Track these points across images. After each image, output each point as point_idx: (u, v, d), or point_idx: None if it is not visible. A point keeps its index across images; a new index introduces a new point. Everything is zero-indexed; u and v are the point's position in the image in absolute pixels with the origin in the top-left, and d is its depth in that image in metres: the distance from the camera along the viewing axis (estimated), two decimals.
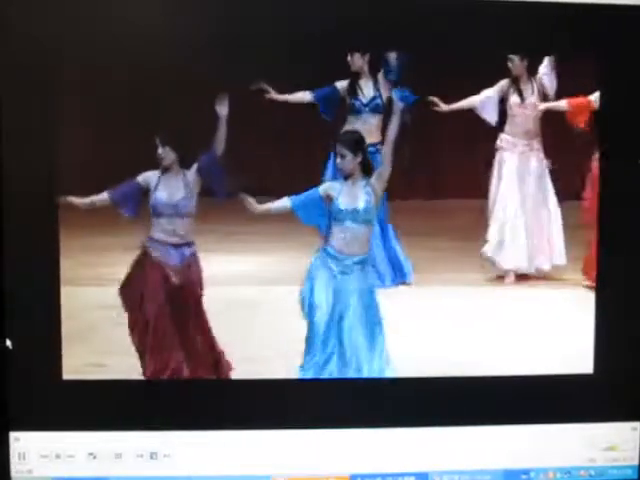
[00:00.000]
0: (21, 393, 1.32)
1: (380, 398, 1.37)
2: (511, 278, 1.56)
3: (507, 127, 1.53)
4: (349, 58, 1.37)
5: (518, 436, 1.39)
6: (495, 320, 1.46)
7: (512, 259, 1.56)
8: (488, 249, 1.52)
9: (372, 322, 1.40)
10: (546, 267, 1.56)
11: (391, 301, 1.42)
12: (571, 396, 1.40)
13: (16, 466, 1.33)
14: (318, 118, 1.41)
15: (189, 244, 1.40)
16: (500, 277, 1.55)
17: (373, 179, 1.38)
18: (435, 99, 1.40)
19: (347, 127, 1.46)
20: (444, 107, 1.42)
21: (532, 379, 1.40)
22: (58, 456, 1.34)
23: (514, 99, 1.51)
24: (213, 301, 1.39)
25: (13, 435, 1.33)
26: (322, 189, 1.39)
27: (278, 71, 1.33)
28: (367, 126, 1.46)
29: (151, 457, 1.34)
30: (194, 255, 1.40)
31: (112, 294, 1.40)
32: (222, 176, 1.36)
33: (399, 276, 1.51)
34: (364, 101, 1.45)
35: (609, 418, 1.39)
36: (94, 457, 1.34)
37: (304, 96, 1.40)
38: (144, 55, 1.30)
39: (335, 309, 1.40)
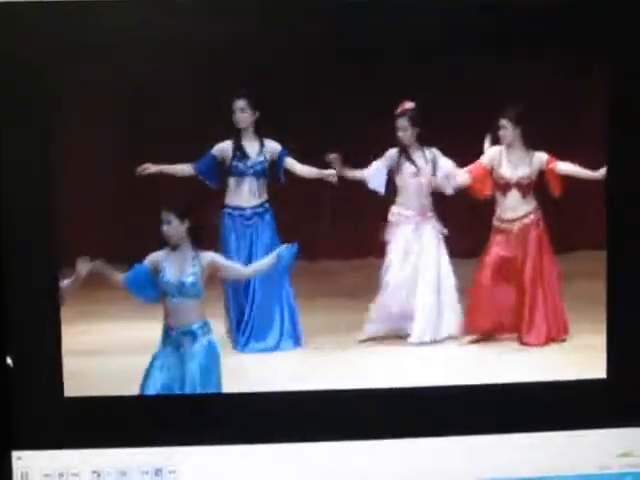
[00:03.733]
0: (23, 411, 1.31)
1: (387, 409, 1.36)
2: None
3: (398, 198, 1.57)
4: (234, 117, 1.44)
5: (532, 444, 1.37)
6: None
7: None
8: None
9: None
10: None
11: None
12: (584, 402, 1.37)
13: None
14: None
15: None
16: None
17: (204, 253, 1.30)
18: (331, 173, 1.42)
19: (229, 190, 1.47)
20: (334, 180, 1.44)
21: (544, 385, 1.38)
22: (62, 475, 1.32)
23: (405, 169, 1.54)
24: None
25: (15, 454, 1.32)
26: (148, 261, 1.31)
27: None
28: (251, 187, 1.48)
29: (156, 474, 1.33)
30: None
31: None
32: None
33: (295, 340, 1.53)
34: (249, 163, 1.46)
35: (623, 424, 1.37)
36: (98, 475, 1.32)
37: (185, 169, 1.41)
38: None
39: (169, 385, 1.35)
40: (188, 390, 1.35)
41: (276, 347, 1.54)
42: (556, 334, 1.54)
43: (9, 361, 1.30)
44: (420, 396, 1.36)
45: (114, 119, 1.33)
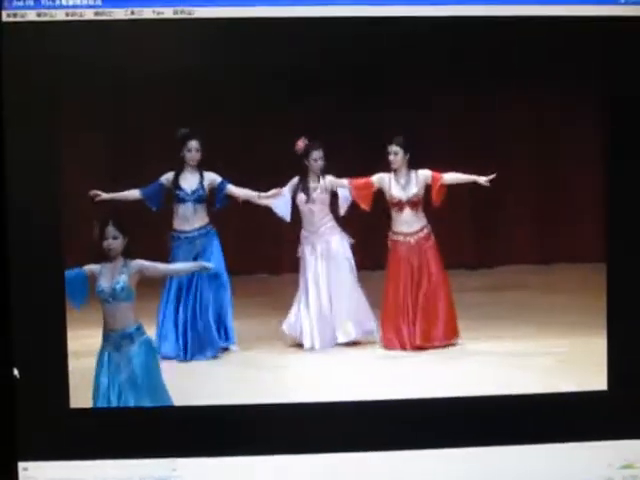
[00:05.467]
0: (29, 422, 1.32)
1: (390, 421, 1.36)
2: None
3: (304, 220, 1.75)
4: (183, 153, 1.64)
5: (533, 456, 1.37)
6: None
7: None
8: (285, 327, 1.73)
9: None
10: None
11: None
12: (585, 414, 1.38)
13: None
14: None
15: None
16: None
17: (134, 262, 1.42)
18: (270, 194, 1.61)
19: (175, 215, 1.68)
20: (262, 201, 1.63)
21: (546, 397, 1.38)
22: None
23: (300, 197, 1.73)
24: None
25: (22, 465, 1.33)
26: (87, 269, 1.41)
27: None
28: (193, 213, 1.68)
29: None
30: None
31: None
32: None
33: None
34: (188, 191, 1.66)
35: (624, 436, 1.37)
36: None
37: (134, 194, 1.56)
38: None
39: (115, 384, 1.41)
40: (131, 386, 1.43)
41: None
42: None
43: (16, 372, 1.31)
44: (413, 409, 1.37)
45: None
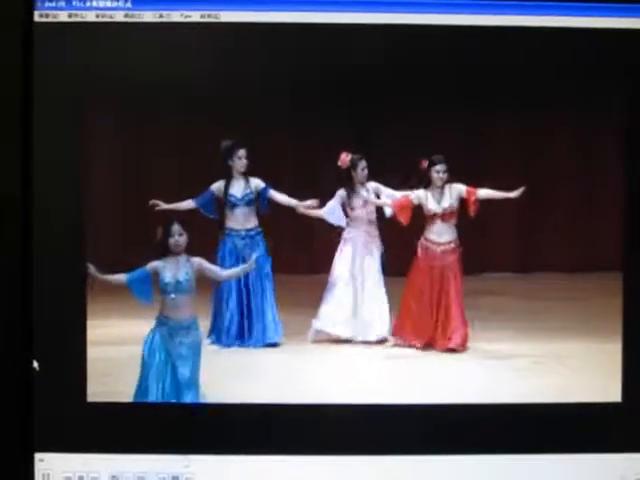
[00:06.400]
0: (46, 414, 1.34)
1: (396, 425, 1.37)
2: None
3: (350, 222, 1.88)
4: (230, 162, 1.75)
5: (545, 467, 1.36)
6: None
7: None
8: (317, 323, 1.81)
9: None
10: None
11: None
12: (599, 425, 1.37)
13: None
14: None
15: None
16: None
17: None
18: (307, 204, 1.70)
19: (227, 219, 1.83)
20: (303, 210, 1.71)
21: (559, 407, 1.38)
22: (81, 478, 1.35)
23: (353, 203, 1.87)
24: None
25: (38, 456, 1.35)
26: (150, 267, 1.51)
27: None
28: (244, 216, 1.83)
29: None
30: None
31: None
32: None
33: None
34: (239, 196, 1.80)
35: (638, 448, 1.36)
36: (117, 479, 1.35)
37: (189, 204, 1.64)
38: None
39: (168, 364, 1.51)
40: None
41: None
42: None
43: (35, 364, 1.34)
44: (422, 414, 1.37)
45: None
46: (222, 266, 1.76)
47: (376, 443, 1.35)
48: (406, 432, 1.36)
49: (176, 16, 1.33)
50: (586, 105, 1.44)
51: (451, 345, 1.79)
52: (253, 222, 1.83)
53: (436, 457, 1.36)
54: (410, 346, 1.80)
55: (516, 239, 1.81)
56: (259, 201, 1.78)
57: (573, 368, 1.50)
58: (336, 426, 1.36)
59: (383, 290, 1.91)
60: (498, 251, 1.84)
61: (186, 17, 1.33)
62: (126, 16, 1.32)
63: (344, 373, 1.63)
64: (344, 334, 1.84)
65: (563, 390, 1.41)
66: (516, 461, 1.36)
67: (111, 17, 1.32)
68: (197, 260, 1.53)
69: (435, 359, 1.77)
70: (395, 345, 1.81)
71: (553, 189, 1.60)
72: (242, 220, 1.84)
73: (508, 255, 1.86)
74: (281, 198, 1.69)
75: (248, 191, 1.79)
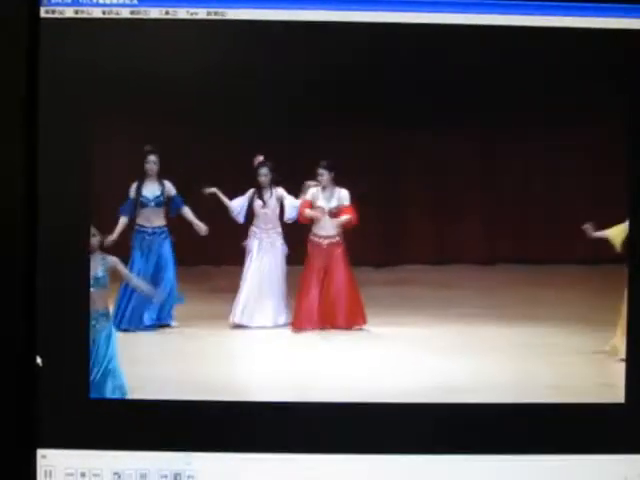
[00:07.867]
0: (49, 411, 1.34)
1: (396, 423, 1.37)
2: None
3: (255, 221, 1.99)
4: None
5: (547, 468, 1.37)
6: None
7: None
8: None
9: None
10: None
11: None
12: (602, 426, 1.37)
13: None
14: None
15: None
16: None
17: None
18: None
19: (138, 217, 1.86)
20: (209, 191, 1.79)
21: (561, 408, 1.38)
22: (83, 474, 1.35)
23: (257, 203, 1.97)
24: None
25: (40, 452, 1.35)
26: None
27: None
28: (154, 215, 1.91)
29: (175, 478, 1.35)
30: None
31: None
32: None
33: None
34: (150, 197, 1.87)
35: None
36: (119, 476, 1.35)
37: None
38: None
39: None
40: None
41: None
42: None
43: (39, 360, 1.34)
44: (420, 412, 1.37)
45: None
46: (133, 258, 1.81)
47: (363, 441, 1.36)
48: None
49: (182, 13, 1.33)
50: (586, 105, 1.42)
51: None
52: (161, 221, 1.92)
53: (435, 457, 1.36)
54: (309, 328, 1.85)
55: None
56: (169, 205, 1.85)
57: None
58: (337, 425, 1.36)
59: (284, 284, 2.01)
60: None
61: (192, 14, 1.33)
62: (132, 13, 1.33)
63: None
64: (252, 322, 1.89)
65: (563, 390, 1.40)
66: (517, 462, 1.36)
67: (117, 14, 1.33)
68: (113, 259, 1.53)
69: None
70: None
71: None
72: (152, 218, 1.92)
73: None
74: (192, 218, 1.74)
75: (159, 193, 1.86)
